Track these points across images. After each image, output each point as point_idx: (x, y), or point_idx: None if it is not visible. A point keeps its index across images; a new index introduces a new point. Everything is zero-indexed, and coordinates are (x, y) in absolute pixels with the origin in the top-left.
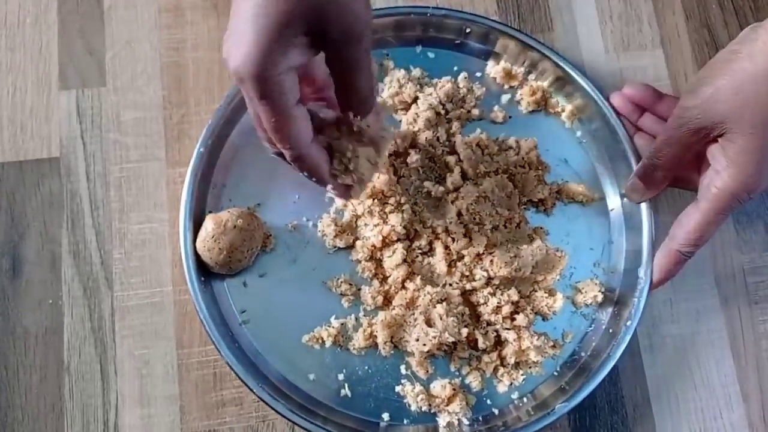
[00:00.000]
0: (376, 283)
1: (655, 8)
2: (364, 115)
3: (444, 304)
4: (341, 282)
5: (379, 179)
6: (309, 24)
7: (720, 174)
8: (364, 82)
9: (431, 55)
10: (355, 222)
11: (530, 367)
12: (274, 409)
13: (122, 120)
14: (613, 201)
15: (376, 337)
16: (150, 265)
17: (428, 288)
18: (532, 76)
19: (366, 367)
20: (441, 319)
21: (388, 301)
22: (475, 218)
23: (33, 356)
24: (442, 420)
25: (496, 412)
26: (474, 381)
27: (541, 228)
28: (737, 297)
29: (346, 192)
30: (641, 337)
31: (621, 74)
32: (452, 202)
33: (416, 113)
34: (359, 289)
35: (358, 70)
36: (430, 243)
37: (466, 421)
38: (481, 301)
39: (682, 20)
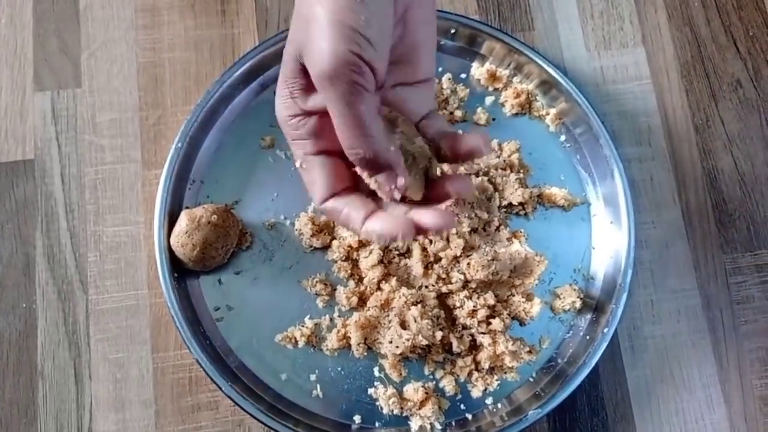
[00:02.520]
0: (351, 283)
1: (636, 6)
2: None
3: (419, 306)
4: (317, 282)
5: None
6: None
7: None
8: (340, 130)
9: None
10: (333, 221)
11: (505, 372)
12: (242, 408)
13: (98, 121)
14: (596, 206)
15: (349, 338)
16: (125, 268)
17: (404, 290)
18: (516, 79)
19: (339, 369)
20: (415, 321)
21: (363, 302)
22: None
23: (6, 360)
24: (415, 424)
25: (470, 417)
26: (448, 385)
27: (521, 232)
28: (719, 297)
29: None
30: (622, 338)
31: (602, 72)
32: None
33: None
34: (335, 289)
35: (333, 116)
36: (407, 244)
37: (438, 426)
38: (457, 304)
39: (664, 18)
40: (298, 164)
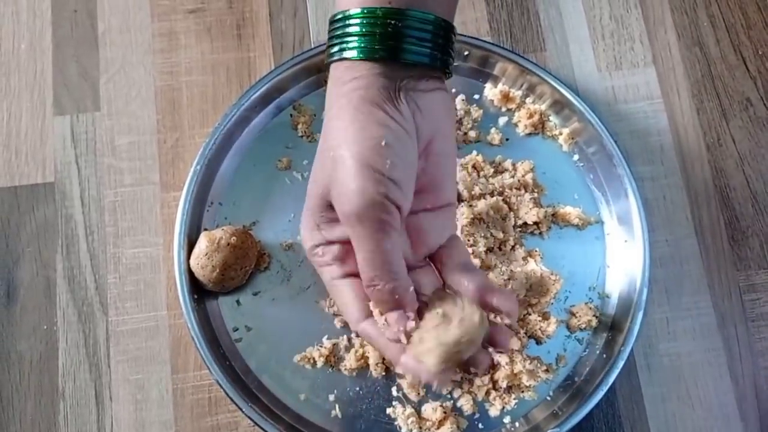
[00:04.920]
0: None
1: (646, 26)
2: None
3: None
4: (334, 302)
5: None
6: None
7: None
8: (363, 264)
9: None
10: None
11: (523, 391)
12: (262, 429)
13: (117, 144)
14: (609, 225)
15: (368, 358)
16: (145, 290)
17: None
18: (529, 99)
19: (357, 389)
20: None
21: None
22: (469, 240)
23: (27, 382)
24: None
25: None
26: (466, 404)
27: (536, 251)
28: (734, 315)
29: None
30: (638, 356)
31: (614, 92)
32: None
33: None
34: None
35: (358, 251)
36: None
37: None
38: None
39: (674, 38)
40: (328, 288)
